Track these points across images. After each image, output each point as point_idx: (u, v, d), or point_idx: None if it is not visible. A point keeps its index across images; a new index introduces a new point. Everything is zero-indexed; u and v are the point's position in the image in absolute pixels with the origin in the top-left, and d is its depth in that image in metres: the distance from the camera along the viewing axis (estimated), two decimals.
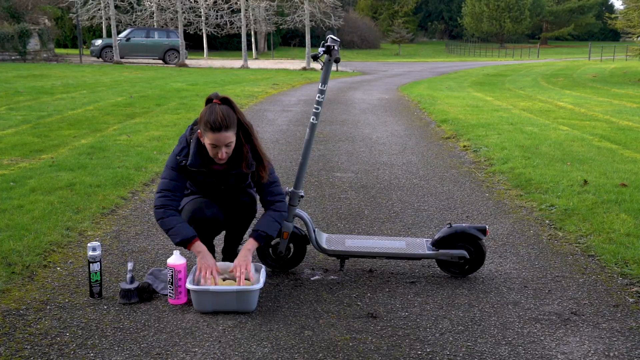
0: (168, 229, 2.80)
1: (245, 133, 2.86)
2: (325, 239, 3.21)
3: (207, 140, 2.76)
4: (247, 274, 2.79)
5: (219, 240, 3.34)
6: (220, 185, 2.96)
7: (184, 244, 2.79)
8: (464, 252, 3.09)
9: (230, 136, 2.76)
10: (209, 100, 2.83)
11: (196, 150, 2.83)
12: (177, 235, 2.78)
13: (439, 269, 3.25)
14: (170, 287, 2.77)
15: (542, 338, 2.52)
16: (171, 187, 2.85)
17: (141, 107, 10.09)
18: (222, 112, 2.74)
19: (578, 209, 4.31)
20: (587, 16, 68.16)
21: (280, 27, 34.72)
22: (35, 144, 6.60)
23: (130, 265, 2.83)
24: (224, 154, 2.76)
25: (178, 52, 26.92)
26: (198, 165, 2.84)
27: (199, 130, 2.81)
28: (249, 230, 3.05)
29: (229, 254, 3.17)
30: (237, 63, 28.41)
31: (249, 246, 2.86)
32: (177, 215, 2.84)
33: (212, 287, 2.68)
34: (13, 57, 24.32)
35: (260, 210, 3.06)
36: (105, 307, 2.75)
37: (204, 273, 2.75)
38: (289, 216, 3.10)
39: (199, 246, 2.81)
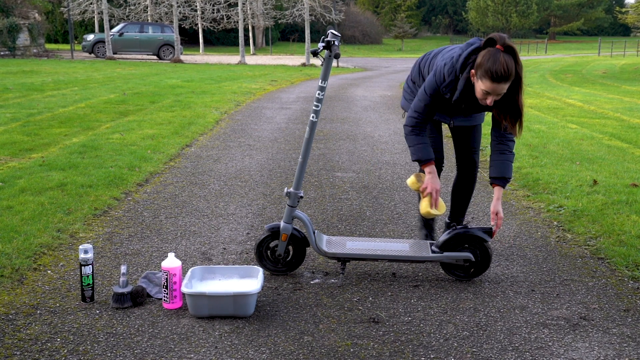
0: (410, 145, 3.11)
1: (515, 85, 2.86)
2: (325, 241, 3.16)
3: (481, 85, 2.81)
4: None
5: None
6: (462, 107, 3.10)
7: (420, 162, 3.09)
8: (469, 255, 3.03)
9: (505, 87, 2.81)
10: (490, 42, 2.79)
11: (463, 89, 2.92)
12: (415, 154, 3.09)
13: (443, 272, 3.20)
14: (164, 291, 2.74)
15: (550, 344, 2.48)
16: (424, 112, 3.07)
17: (135, 105, 10.01)
18: (507, 64, 2.74)
19: (587, 210, 4.25)
20: (596, 10, 67.67)
21: (279, 21, 34.70)
22: (24, 142, 6.52)
23: (123, 269, 2.79)
24: (492, 101, 2.86)
25: (173, 47, 26.73)
26: (460, 101, 3.00)
27: (472, 70, 2.84)
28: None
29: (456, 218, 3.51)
30: (234, 59, 28.39)
31: (498, 195, 3.04)
32: (421, 136, 3.09)
33: (209, 291, 2.65)
34: (2, 53, 24.03)
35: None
36: (97, 311, 2.71)
37: (431, 192, 3.06)
38: (288, 217, 3.05)
39: (431, 168, 3.07)
